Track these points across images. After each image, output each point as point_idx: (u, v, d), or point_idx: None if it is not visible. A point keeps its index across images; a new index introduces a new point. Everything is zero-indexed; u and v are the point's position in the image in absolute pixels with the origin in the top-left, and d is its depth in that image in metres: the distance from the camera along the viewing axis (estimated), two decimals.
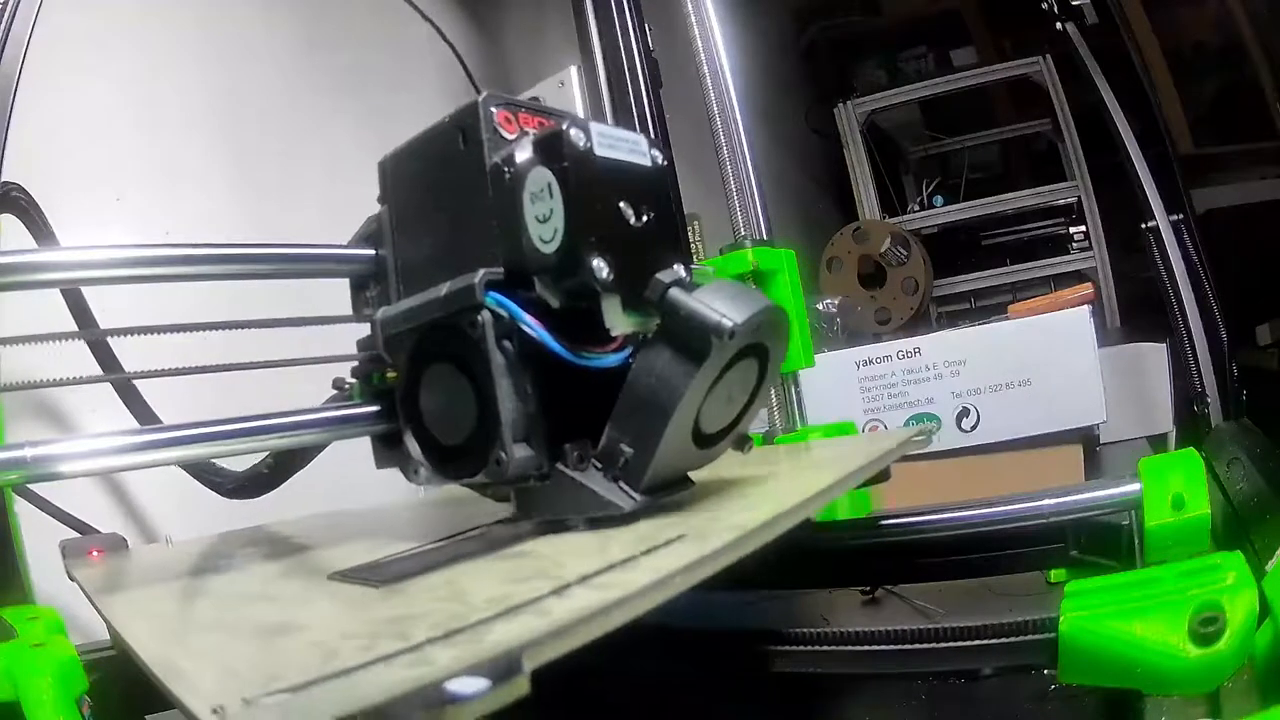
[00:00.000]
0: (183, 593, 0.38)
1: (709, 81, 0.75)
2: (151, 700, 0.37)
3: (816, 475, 0.43)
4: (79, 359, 0.58)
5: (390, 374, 0.38)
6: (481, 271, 0.33)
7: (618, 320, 0.33)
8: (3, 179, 0.56)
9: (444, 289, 0.35)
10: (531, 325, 0.33)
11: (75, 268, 0.37)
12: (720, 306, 0.32)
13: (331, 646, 0.23)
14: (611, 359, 0.34)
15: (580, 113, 0.92)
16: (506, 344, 0.33)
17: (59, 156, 0.70)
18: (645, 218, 0.35)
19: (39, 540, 0.50)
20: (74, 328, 0.59)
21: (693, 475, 0.38)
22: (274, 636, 0.26)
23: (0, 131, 0.54)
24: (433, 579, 0.31)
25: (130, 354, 0.57)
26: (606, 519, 0.34)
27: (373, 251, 0.41)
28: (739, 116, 0.74)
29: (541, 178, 0.33)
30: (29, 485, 0.55)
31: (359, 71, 1.05)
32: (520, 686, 0.20)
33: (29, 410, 0.66)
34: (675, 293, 0.33)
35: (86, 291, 0.60)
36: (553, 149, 0.33)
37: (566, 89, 0.96)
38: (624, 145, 0.35)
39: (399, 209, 0.40)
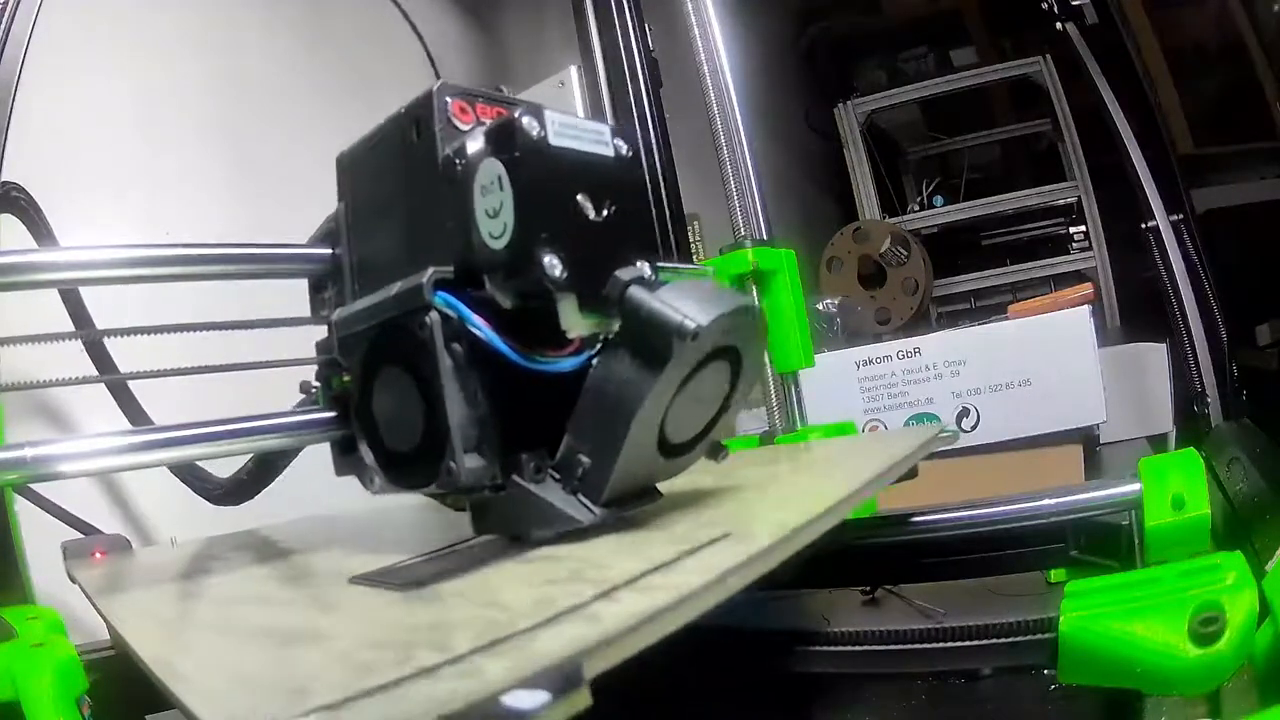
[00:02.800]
0: (187, 594, 0.38)
1: (709, 81, 0.75)
2: (151, 700, 0.37)
3: (854, 471, 0.41)
4: (79, 359, 0.58)
5: (346, 377, 0.36)
6: (430, 270, 0.31)
7: (574, 321, 0.31)
8: (3, 179, 0.56)
9: (394, 288, 0.33)
10: (479, 326, 0.31)
11: (74, 268, 0.37)
12: (684, 306, 0.29)
13: (361, 658, 0.22)
14: (568, 363, 0.32)
15: (580, 113, 0.92)
16: (456, 346, 0.31)
17: (59, 156, 0.70)
18: (606, 212, 0.32)
19: (39, 540, 0.50)
20: (72, 328, 0.59)
21: (723, 473, 0.36)
22: (292, 644, 0.25)
23: (0, 131, 0.54)
24: (461, 583, 0.29)
25: (124, 354, 0.57)
26: (570, 533, 0.32)
27: (330, 250, 0.40)
28: (739, 116, 0.74)
29: (492, 170, 0.31)
30: (29, 485, 0.55)
31: (359, 71, 1.05)
32: (582, 698, 0.19)
33: (29, 410, 0.66)
34: (635, 291, 0.30)
35: (93, 292, 0.60)
36: (504, 139, 0.31)
37: (566, 89, 0.96)
38: (584, 135, 0.33)
39: (355, 205, 0.38)
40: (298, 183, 0.92)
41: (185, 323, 0.41)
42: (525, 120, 0.31)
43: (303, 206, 0.42)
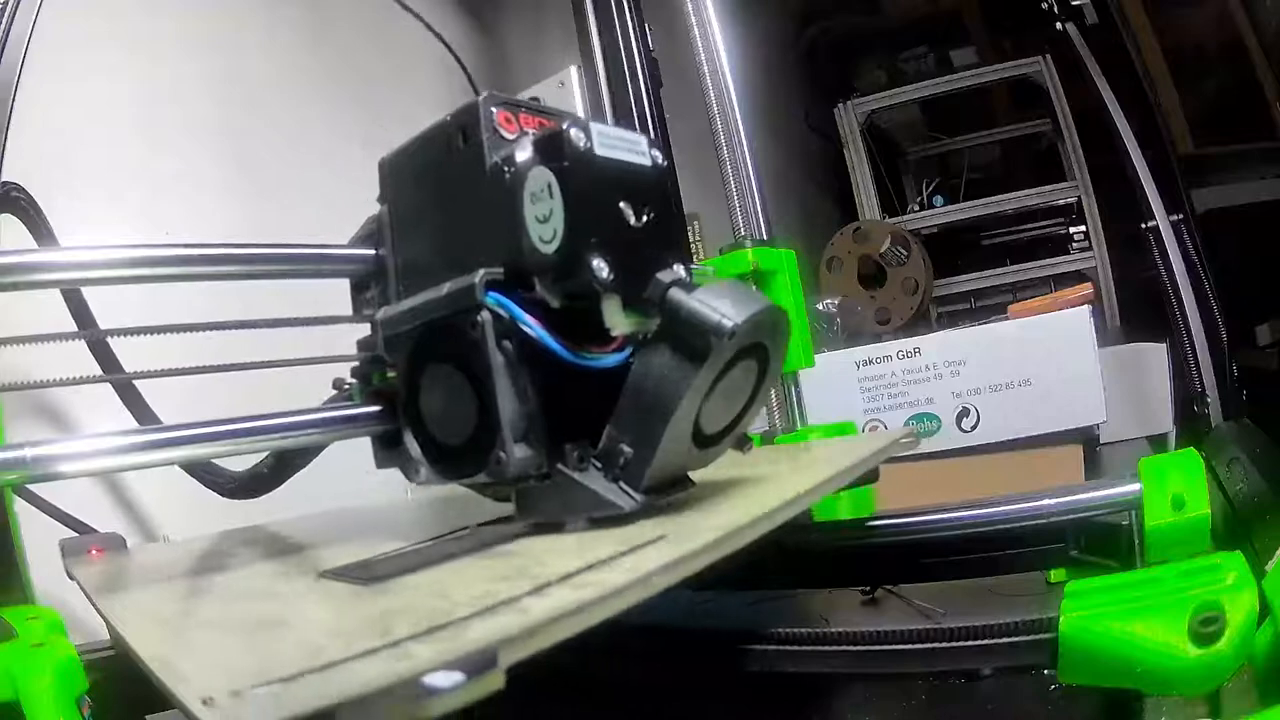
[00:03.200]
0: (180, 591, 0.38)
1: (709, 81, 0.75)
2: (151, 700, 0.37)
3: (803, 476, 0.43)
4: (80, 359, 0.58)
5: (390, 374, 0.38)
6: (481, 271, 0.33)
7: (618, 320, 0.33)
8: (3, 179, 0.56)
9: (444, 289, 0.35)
10: (531, 325, 0.33)
11: (75, 268, 0.37)
12: (720, 306, 0.32)
13: (318, 643, 0.24)
14: (611, 359, 0.34)
15: (580, 113, 0.92)
16: (506, 344, 0.33)
17: (59, 156, 0.70)
18: (645, 218, 0.34)
19: (39, 540, 0.50)
20: (74, 328, 0.59)
21: (698, 475, 0.38)
22: (264, 633, 0.27)
23: (0, 131, 0.54)
24: (419, 577, 0.31)
25: (129, 354, 0.57)
26: (607, 519, 0.34)
27: (373, 251, 0.41)
28: (739, 116, 0.74)
29: (541, 177, 0.33)
30: (29, 485, 0.55)
31: (360, 71, 1.05)
32: (495, 681, 0.21)
33: (29, 410, 0.66)
34: (675, 293, 0.33)
35: (86, 291, 0.60)
36: (553, 149, 0.33)
37: (566, 89, 0.96)
38: (624, 145, 0.35)
39: (399, 209, 0.40)
40: (298, 183, 0.92)
41: (186, 323, 0.40)
42: (573, 132, 0.33)
43: (302, 206, 0.42)
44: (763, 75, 2.03)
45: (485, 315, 0.33)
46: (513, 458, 0.33)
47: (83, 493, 0.66)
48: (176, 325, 0.39)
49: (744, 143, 0.74)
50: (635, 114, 0.80)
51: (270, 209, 0.89)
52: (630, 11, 0.81)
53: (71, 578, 0.42)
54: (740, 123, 0.74)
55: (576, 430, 0.34)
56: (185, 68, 0.84)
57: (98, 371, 0.58)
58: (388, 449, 0.40)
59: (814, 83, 2.49)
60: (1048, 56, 1.99)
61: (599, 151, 0.33)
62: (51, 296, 0.58)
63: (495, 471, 0.33)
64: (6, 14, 0.54)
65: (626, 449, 0.33)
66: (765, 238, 0.72)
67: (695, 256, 1.05)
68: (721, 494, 0.38)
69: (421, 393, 0.36)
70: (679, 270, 0.34)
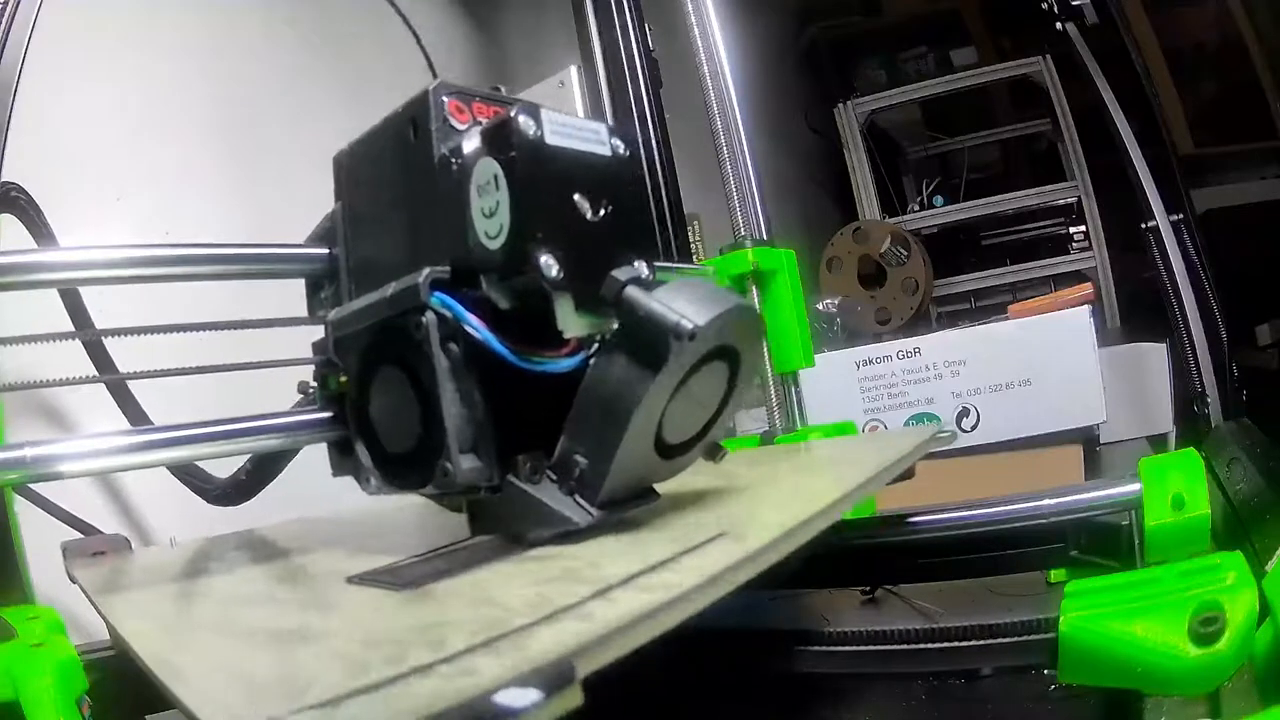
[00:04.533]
0: (186, 594, 0.37)
1: (709, 81, 0.75)
2: (151, 700, 0.37)
3: (851, 470, 0.41)
4: (78, 359, 0.58)
5: (343, 378, 0.36)
6: (426, 270, 0.31)
7: (570, 322, 0.31)
8: (3, 179, 0.56)
9: (390, 289, 0.33)
10: (475, 326, 0.31)
11: (73, 268, 0.37)
12: (681, 307, 0.29)
13: (358, 656, 0.22)
14: (565, 364, 0.32)
15: (580, 113, 0.92)
16: (452, 347, 0.31)
17: (59, 156, 0.70)
18: (603, 211, 0.32)
19: (39, 540, 0.50)
20: (72, 328, 0.59)
21: (720, 473, 0.36)
22: (290, 643, 0.25)
23: (0, 131, 0.54)
24: (457, 582, 0.29)
25: (124, 354, 0.57)
26: (567, 533, 0.32)
27: (326, 250, 0.39)
28: (739, 116, 0.74)
29: (488, 169, 0.30)
30: (29, 485, 0.55)
31: (361, 72, 1.05)
32: (574, 697, 0.19)
33: (29, 410, 0.66)
34: (632, 291, 0.30)
35: (85, 292, 0.60)
36: (500, 138, 0.31)
37: (566, 89, 0.96)
38: (581, 134, 0.32)
39: (352, 205, 0.38)
40: (298, 183, 0.92)
41: (184, 323, 0.40)
42: (521, 119, 0.30)
43: (303, 206, 0.42)
44: (763, 75, 2.03)
45: (430, 316, 0.31)
46: (459, 468, 0.30)
47: (83, 493, 0.66)
48: (167, 326, 0.39)
49: (744, 143, 0.74)
50: (635, 114, 0.80)
51: (270, 209, 0.89)
52: (630, 11, 0.81)
53: (74, 581, 0.41)
54: (740, 123, 0.74)
55: (529, 440, 0.32)
56: (186, 68, 0.84)
57: (95, 371, 0.58)
58: (343, 456, 0.38)
59: (814, 83, 2.49)
60: (1048, 56, 1.99)
61: (550, 140, 0.31)
62: (51, 298, 0.58)
63: (442, 483, 0.31)
64: (6, 14, 0.54)
65: (581, 460, 0.31)
66: (765, 238, 0.72)
67: (695, 256, 1.04)
68: (771, 489, 0.37)
69: (370, 398, 0.34)
70: (640, 268, 0.31)
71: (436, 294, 0.31)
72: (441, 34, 1.23)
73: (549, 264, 0.29)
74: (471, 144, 0.32)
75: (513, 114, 0.30)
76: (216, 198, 0.85)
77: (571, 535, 0.32)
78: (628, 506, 0.33)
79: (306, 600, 0.33)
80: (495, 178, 0.30)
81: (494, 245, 0.30)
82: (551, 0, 0.99)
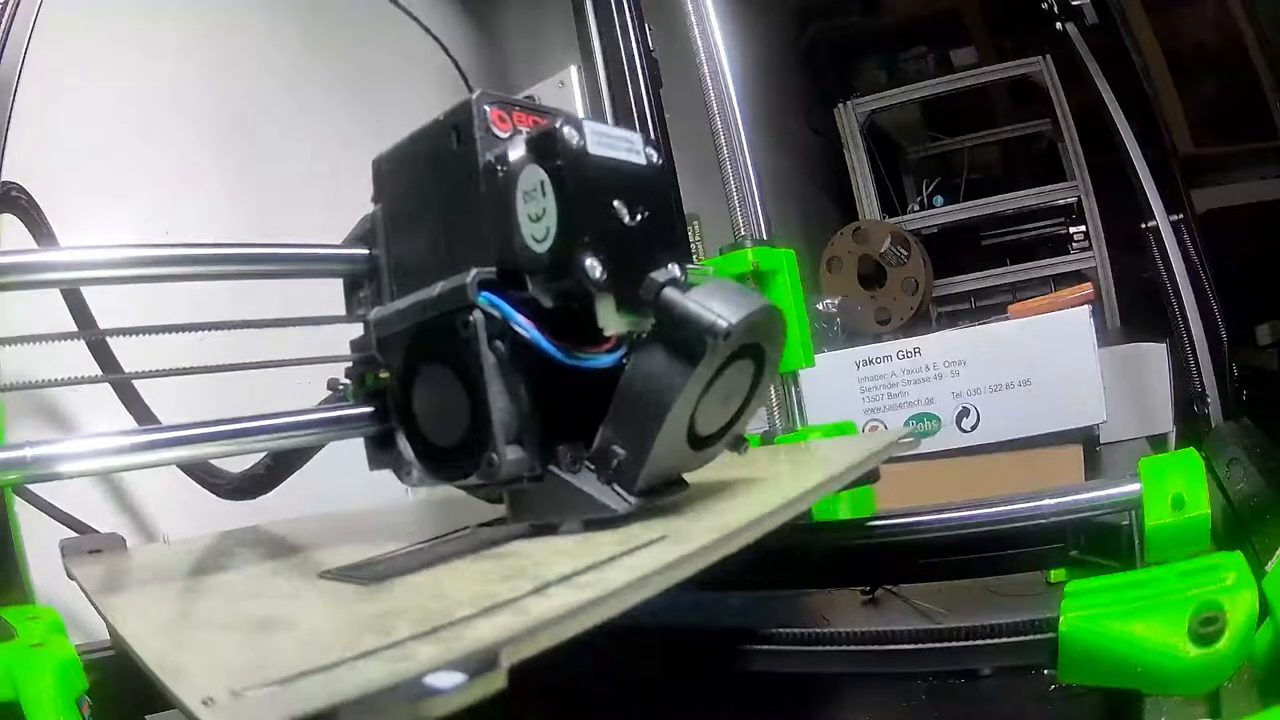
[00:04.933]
0: (180, 591, 0.38)
1: (709, 81, 0.75)
2: (152, 700, 0.37)
3: (802, 477, 0.43)
4: (80, 359, 0.58)
5: (383, 374, 0.38)
6: (474, 271, 0.33)
7: (611, 320, 0.32)
8: (3, 179, 0.56)
9: (436, 289, 0.34)
10: (524, 325, 0.32)
11: (74, 268, 0.37)
12: (715, 306, 0.31)
13: (319, 643, 0.24)
14: (605, 360, 0.34)
15: (580, 113, 0.92)
16: (499, 344, 0.33)
17: (59, 156, 0.70)
18: (640, 216, 0.34)
19: (39, 540, 0.50)
20: (74, 328, 0.59)
21: (687, 475, 0.38)
22: (264, 633, 0.27)
23: (0, 131, 0.54)
24: (418, 578, 0.31)
25: (128, 354, 0.57)
26: (600, 521, 0.33)
27: (366, 251, 0.40)
28: (739, 116, 0.74)
29: (534, 176, 0.32)
30: (29, 485, 0.55)
31: (360, 71, 1.05)
32: (496, 681, 0.20)
33: (29, 410, 0.66)
34: (670, 292, 0.32)
35: (86, 292, 0.60)
36: (546, 147, 0.32)
37: (566, 89, 0.96)
38: (619, 143, 0.34)
39: (392, 208, 0.40)
40: (299, 182, 0.92)
41: (187, 322, 0.40)
42: (566, 130, 0.32)
43: (304, 206, 0.42)
44: (763, 75, 2.03)
45: (477, 315, 0.33)
46: (504, 459, 0.32)
47: (82, 493, 0.66)
48: (174, 325, 0.39)
49: (744, 143, 0.74)
50: (635, 114, 0.80)
51: (270, 209, 0.89)
52: (630, 11, 0.81)
53: (72, 578, 0.42)
54: (740, 123, 0.74)
55: (570, 431, 0.34)
56: (187, 67, 0.84)
57: (97, 371, 0.58)
58: (381, 450, 0.39)
59: (814, 83, 2.49)
60: (1048, 56, 2.00)
61: (592, 150, 0.33)
62: (51, 298, 0.58)
63: (487, 473, 0.33)
64: (6, 14, 0.54)
65: (620, 450, 0.33)
66: (765, 238, 0.72)
67: (695, 256, 1.05)
68: (722, 494, 0.38)
69: (414, 394, 0.36)
70: (674, 270, 0.33)
71: (484, 294, 0.33)
72: (441, 34, 1.23)
73: (593, 266, 0.31)
74: (517, 152, 0.34)
75: (558, 125, 0.32)
76: (217, 197, 0.85)
77: (537, 537, 0.34)
78: (662, 495, 0.35)
79: (286, 594, 0.34)
80: (541, 184, 0.32)
81: (540, 249, 0.32)
82: (551, 0, 0.99)
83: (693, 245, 1.15)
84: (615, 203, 0.33)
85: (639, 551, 0.29)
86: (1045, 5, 1.41)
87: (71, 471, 0.34)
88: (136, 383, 0.62)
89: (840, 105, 2.20)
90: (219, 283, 0.41)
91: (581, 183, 0.32)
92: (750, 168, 0.74)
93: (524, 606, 0.25)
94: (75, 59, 0.73)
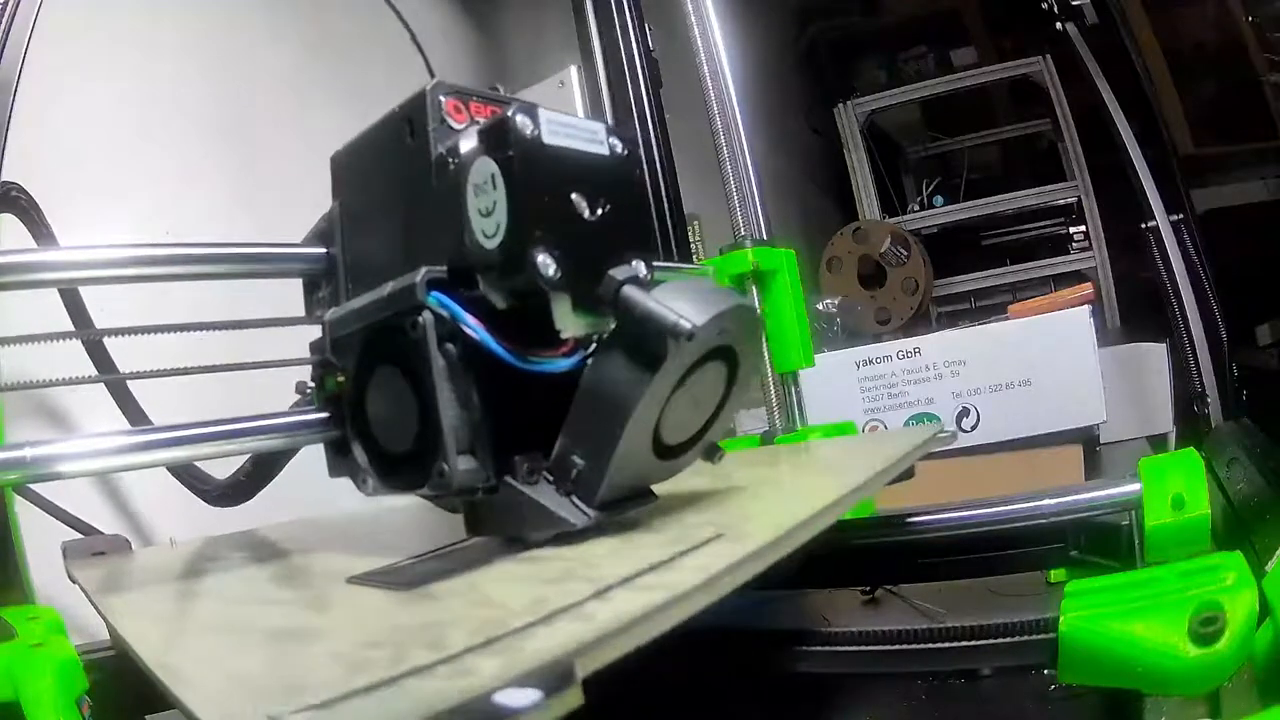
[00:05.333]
0: (186, 594, 0.37)
1: (709, 81, 0.75)
2: (152, 700, 0.37)
3: (847, 473, 0.41)
4: (78, 359, 0.58)
5: (340, 378, 0.36)
6: (423, 270, 0.31)
7: (568, 321, 0.30)
8: (3, 179, 0.56)
9: (388, 288, 0.32)
10: (473, 326, 0.30)
11: (63, 268, 0.37)
12: (679, 306, 0.29)
13: (356, 656, 0.22)
14: (562, 364, 0.32)
15: (580, 113, 0.92)
16: (449, 347, 0.31)
17: (59, 156, 0.70)
18: (601, 211, 0.32)
19: (39, 540, 0.50)
20: (72, 328, 0.59)
21: (720, 474, 0.36)
22: (288, 643, 0.25)
23: (0, 131, 0.54)
24: (458, 582, 0.29)
25: (128, 354, 0.57)
26: (565, 535, 0.31)
27: (324, 250, 0.39)
28: (739, 116, 0.74)
29: (485, 168, 0.30)
30: (29, 485, 0.55)
31: (362, 72, 1.05)
32: (574, 697, 0.19)
33: (29, 410, 0.66)
34: (630, 291, 0.30)
35: (86, 291, 0.60)
36: (498, 137, 0.30)
37: (566, 89, 0.97)
38: (579, 134, 0.32)
39: (349, 205, 0.38)
40: (299, 182, 0.92)
41: (184, 323, 0.40)
42: (519, 119, 0.30)
43: (303, 206, 0.42)
44: (763, 75, 2.03)
45: (426, 316, 0.31)
46: (455, 470, 0.30)
47: (83, 493, 0.66)
48: (167, 326, 0.39)
49: (744, 143, 0.74)
50: (635, 114, 0.80)
51: (271, 209, 0.89)
52: (630, 11, 0.81)
53: (74, 581, 0.41)
54: (740, 123, 0.74)
55: (527, 440, 0.32)
56: (187, 67, 0.84)
57: (95, 371, 0.58)
58: (340, 457, 0.37)
59: (814, 83, 2.49)
60: (1048, 56, 2.00)
61: (548, 140, 0.31)
62: (51, 298, 0.58)
63: (438, 484, 0.31)
64: (6, 14, 0.54)
65: (579, 461, 0.31)
66: (765, 238, 0.72)
67: (695, 256, 1.05)
68: (769, 490, 0.37)
69: (368, 398, 0.34)
70: (637, 267, 0.31)
71: (433, 294, 0.31)
72: (441, 34, 1.23)
73: (546, 263, 0.29)
74: (469, 143, 0.32)
75: (510, 113, 0.30)
76: (217, 197, 0.85)
77: (569, 536, 0.32)
78: (625, 508, 0.33)
79: (306, 600, 0.33)
80: (492, 177, 0.30)
81: (491, 245, 0.30)
82: (551, 0, 0.99)
83: (693, 245, 1.15)
84: (573, 196, 0.31)
85: (697, 552, 0.28)
86: (1045, 5, 1.41)
87: (71, 471, 0.34)
88: (133, 384, 0.62)
89: (840, 105, 2.20)
90: (221, 283, 0.41)
91: (535, 174, 0.30)
92: (750, 168, 0.74)
93: (587, 613, 0.23)
94: (75, 59, 0.73)
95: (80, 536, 0.53)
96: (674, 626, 0.23)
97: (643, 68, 0.81)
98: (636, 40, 0.81)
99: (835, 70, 2.51)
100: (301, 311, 0.42)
